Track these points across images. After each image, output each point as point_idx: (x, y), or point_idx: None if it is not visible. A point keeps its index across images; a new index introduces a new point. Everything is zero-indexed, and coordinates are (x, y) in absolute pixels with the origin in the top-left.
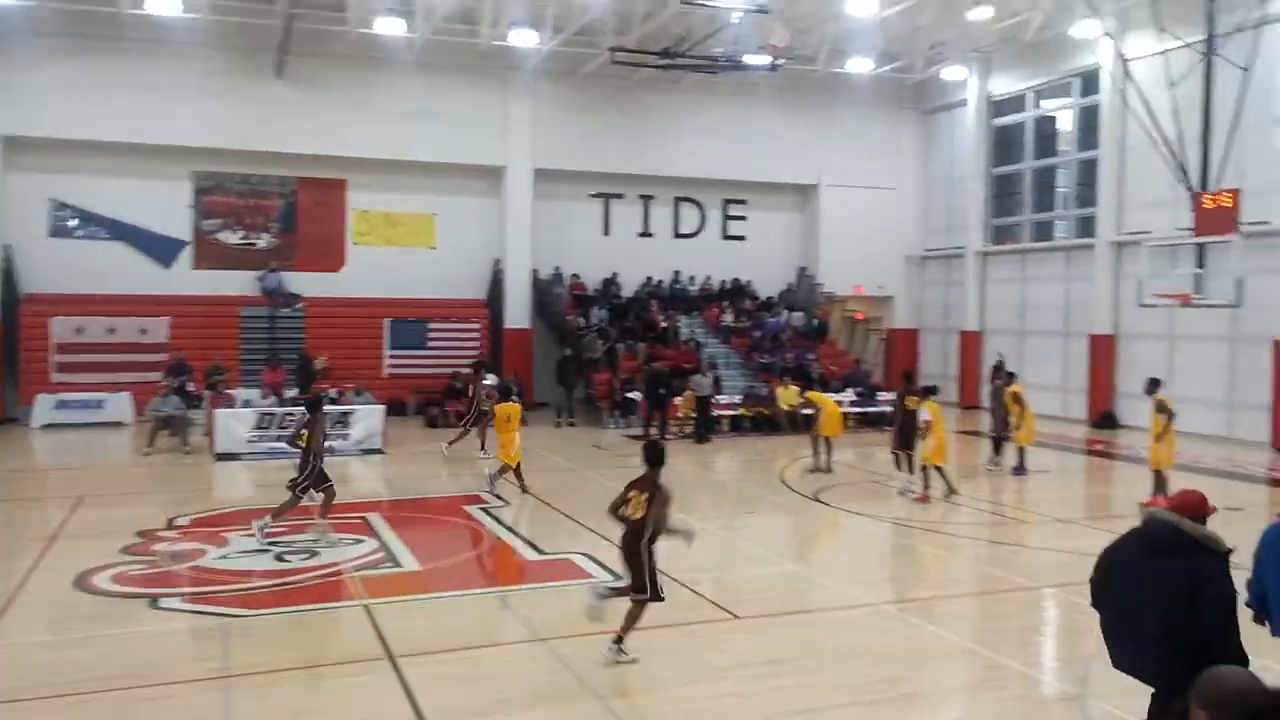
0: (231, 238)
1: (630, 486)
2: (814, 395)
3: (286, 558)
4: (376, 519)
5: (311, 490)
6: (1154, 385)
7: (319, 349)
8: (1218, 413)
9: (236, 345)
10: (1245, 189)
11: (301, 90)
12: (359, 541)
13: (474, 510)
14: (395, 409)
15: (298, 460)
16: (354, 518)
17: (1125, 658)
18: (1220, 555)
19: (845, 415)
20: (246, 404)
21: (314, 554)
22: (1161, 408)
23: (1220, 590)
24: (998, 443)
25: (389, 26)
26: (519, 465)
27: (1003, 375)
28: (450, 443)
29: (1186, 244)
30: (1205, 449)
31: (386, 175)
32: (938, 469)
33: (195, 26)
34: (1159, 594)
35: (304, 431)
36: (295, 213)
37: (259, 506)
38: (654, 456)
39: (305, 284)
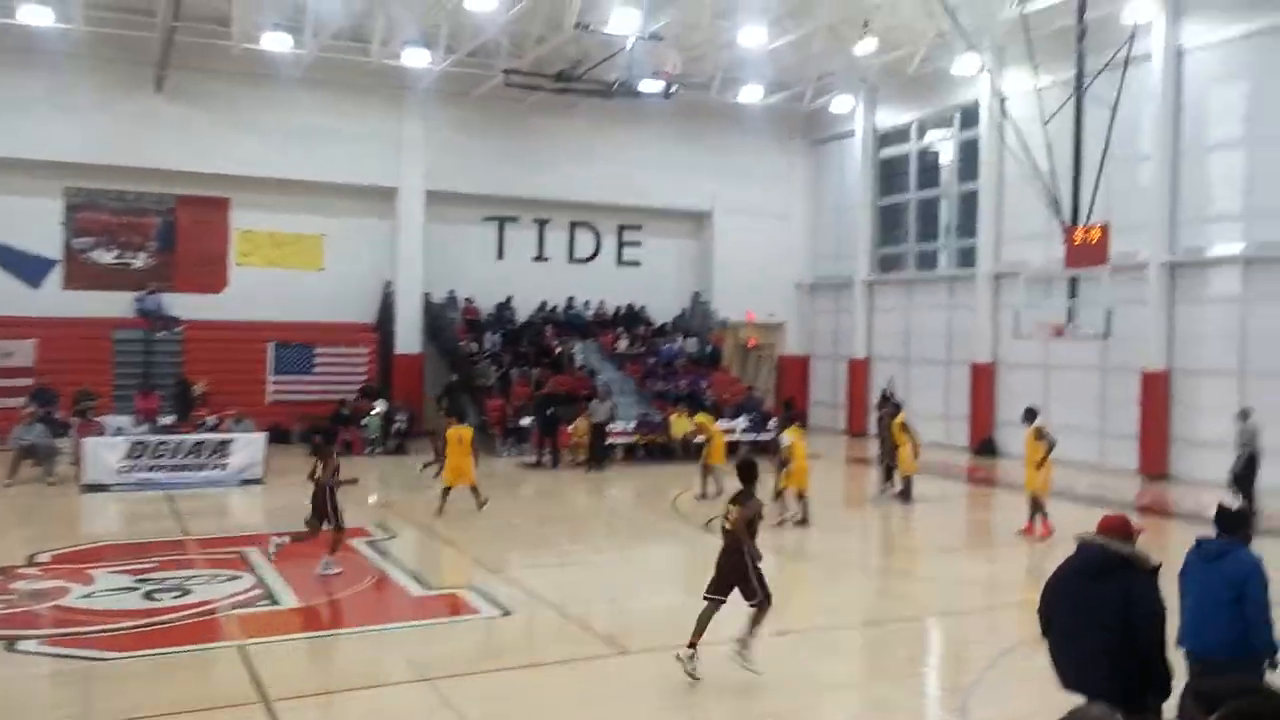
0: (105, 257)
1: (730, 502)
2: (702, 420)
3: (156, 596)
4: (254, 554)
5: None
6: (1030, 415)
7: (198, 374)
8: (1090, 440)
9: (110, 370)
10: (1114, 223)
11: (183, 105)
12: (235, 578)
13: (359, 544)
14: (278, 436)
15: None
16: (230, 552)
17: (1071, 678)
18: (1149, 571)
19: (737, 443)
20: (118, 431)
21: (186, 592)
22: (1041, 435)
23: (1150, 608)
24: (888, 470)
25: (276, 42)
26: (475, 485)
27: (889, 405)
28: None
29: (1059, 276)
30: (1078, 476)
31: (273, 194)
32: (798, 495)
33: (70, 37)
34: (1096, 615)
35: (316, 466)
36: (174, 232)
37: (129, 541)
38: (746, 474)
39: (185, 306)
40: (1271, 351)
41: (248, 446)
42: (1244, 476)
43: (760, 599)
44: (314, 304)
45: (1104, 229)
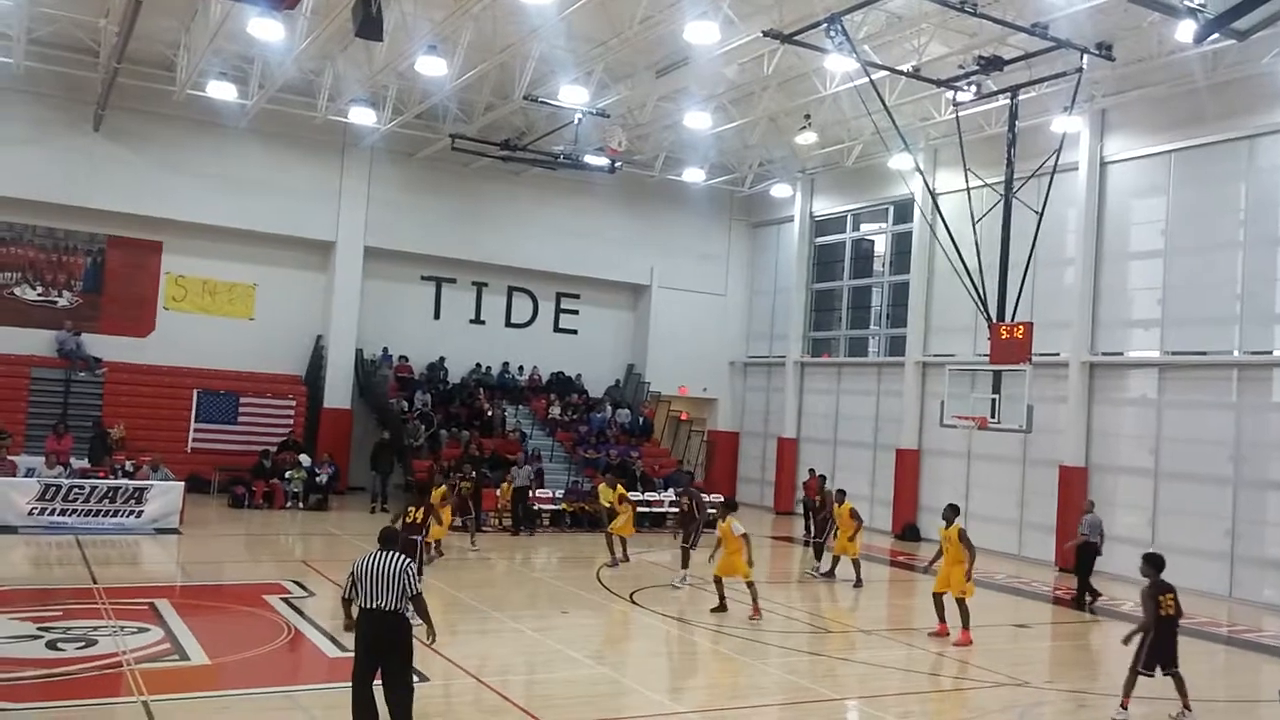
0: (29, 293)
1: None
2: (620, 492)
3: (61, 646)
4: (166, 606)
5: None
6: (954, 513)
7: (118, 417)
8: (1009, 531)
9: (25, 408)
10: (1038, 322)
11: (121, 146)
12: (143, 630)
13: (275, 600)
14: (198, 485)
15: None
16: (140, 603)
17: None
18: None
19: (664, 515)
20: (30, 472)
21: (91, 643)
22: (964, 538)
23: None
24: (818, 549)
25: (220, 91)
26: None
27: (824, 491)
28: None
29: (984, 370)
30: (997, 566)
31: (207, 240)
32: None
33: (8, 71)
34: None
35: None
36: (103, 272)
37: (34, 586)
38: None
39: (108, 348)
40: (1183, 453)
41: (165, 494)
42: (1083, 565)
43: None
44: (243, 353)
45: (1028, 327)
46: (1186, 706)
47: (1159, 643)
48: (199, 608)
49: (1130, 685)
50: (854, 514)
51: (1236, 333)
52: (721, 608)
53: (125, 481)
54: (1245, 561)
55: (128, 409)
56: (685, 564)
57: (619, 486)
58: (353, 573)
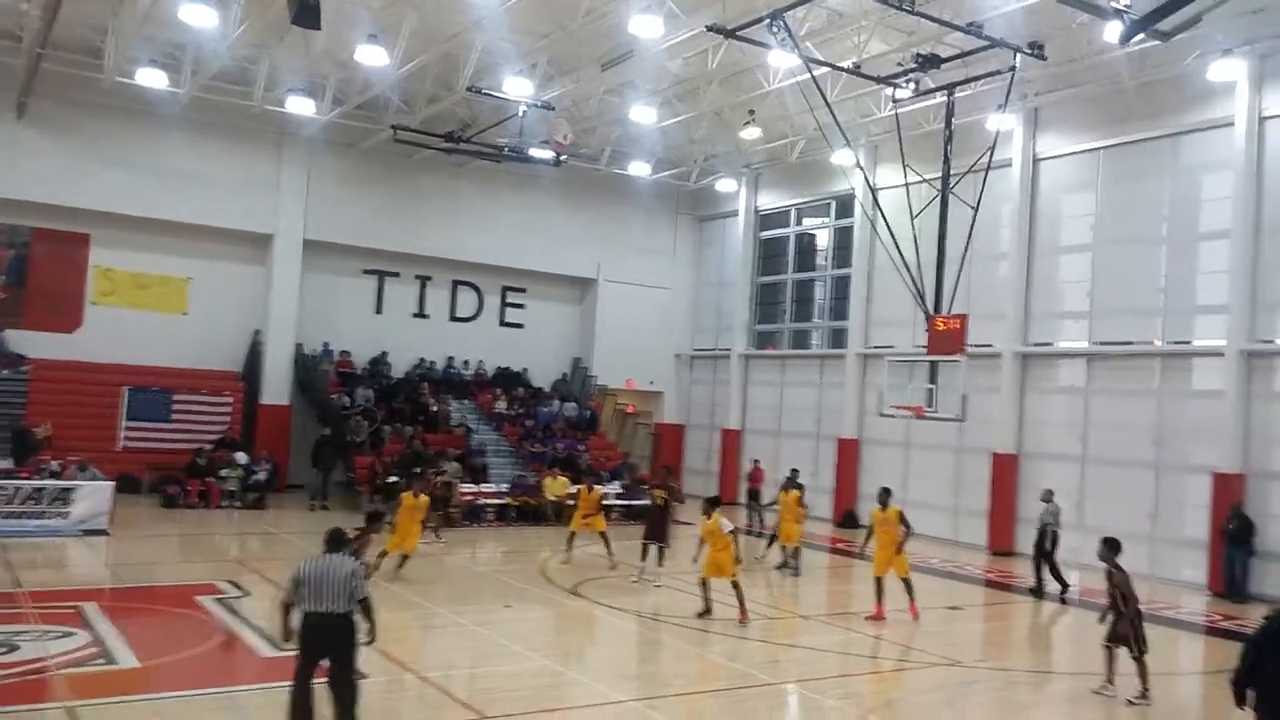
0: None
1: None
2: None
3: None
4: (93, 609)
5: None
6: (888, 495)
7: (44, 415)
8: (944, 517)
9: None
10: (973, 314)
11: (46, 135)
12: (69, 634)
13: (207, 601)
14: (129, 485)
15: None
16: (66, 607)
17: None
18: None
19: (610, 508)
20: None
21: (14, 648)
22: (904, 519)
23: None
24: (771, 539)
25: (151, 79)
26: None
27: (794, 484)
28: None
29: (921, 360)
30: (933, 550)
31: (138, 233)
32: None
33: None
34: None
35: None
36: (27, 266)
37: None
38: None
39: (34, 344)
40: (1108, 439)
41: (93, 495)
42: (1048, 553)
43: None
44: (176, 349)
45: (963, 319)
46: (1111, 681)
47: (1142, 624)
48: (128, 610)
49: (1145, 670)
50: (800, 502)
51: (1160, 324)
52: (707, 611)
53: (51, 482)
54: (1164, 542)
55: (54, 407)
56: (661, 562)
57: (596, 489)
58: (296, 576)
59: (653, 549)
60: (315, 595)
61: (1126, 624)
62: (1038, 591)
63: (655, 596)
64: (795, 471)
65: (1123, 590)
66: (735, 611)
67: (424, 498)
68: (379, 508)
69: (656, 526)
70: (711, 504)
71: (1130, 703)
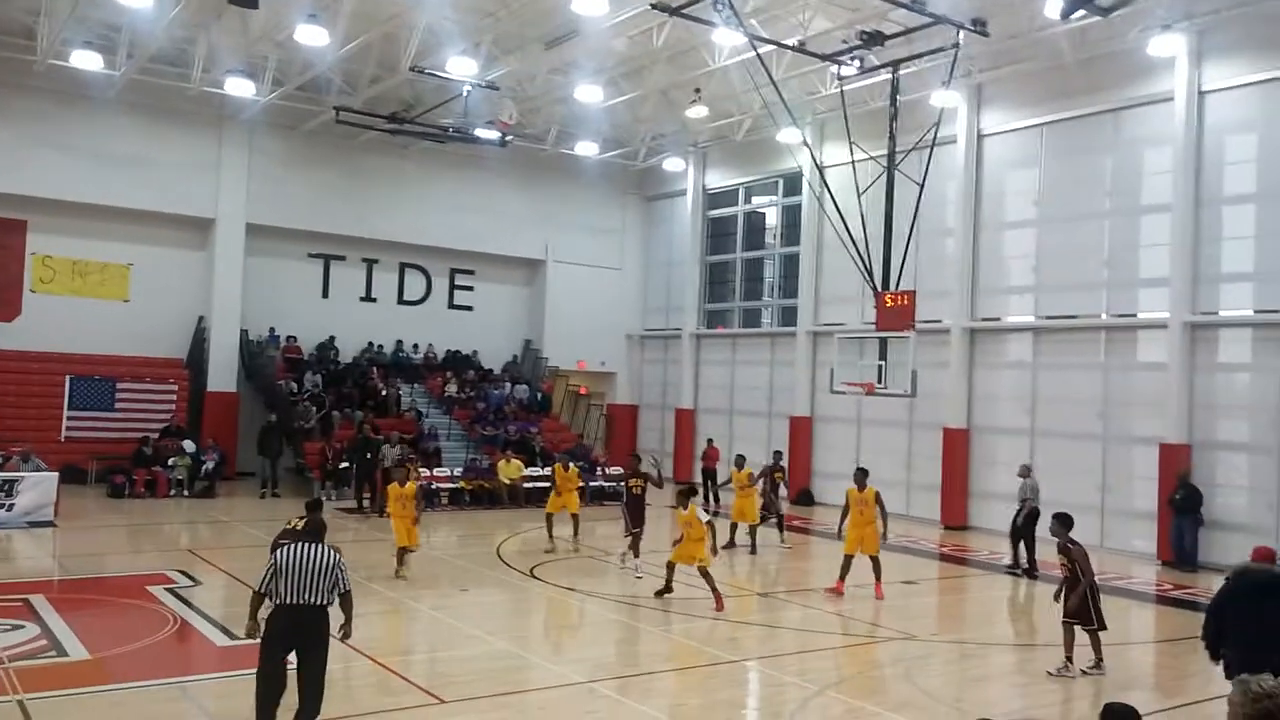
0: None
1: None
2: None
3: None
4: (41, 601)
5: None
6: (865, 475)
7: None
8: (898, 492)
9: None
10: (921, 290)
11: None
12: (18, 627)
13: (158, 590)
14: (73, 476)
15: None
16: (13, 600)
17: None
18: None
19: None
20: None
21: None
22: (880, 500)
23: None
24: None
25: (86, 61)
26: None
27: (777, 466)
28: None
29: (871, 337)
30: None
31: (77, 219)
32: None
33: None
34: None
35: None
36: None
37: None
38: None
39: None
40: (1056, 413)
41: (37, 486)
42: (1025, 530)
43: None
44: (118, 336)
45: (911, 295)
46: (1070, 660)
47: (1098, 596)
48: (77, 602)
49: (1099, 642)
50: (751, 478)
51: (1104, 297)
52: (667, 590)
53: None
54: (1114, 514)
55: None
56: (637, 551)
57: (573, 466)
58: (274, 565)
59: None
60: (294, 587)
61: (1080, 599)
62: (1015, 569)
63: (617, 578)
64: (778, 454)
65: (1080, 565)
66: (697, 594)
67: (411, 485)
68: (319, 497)
69: (636, 515)
70: (686, 495)
71: (1084, 672)
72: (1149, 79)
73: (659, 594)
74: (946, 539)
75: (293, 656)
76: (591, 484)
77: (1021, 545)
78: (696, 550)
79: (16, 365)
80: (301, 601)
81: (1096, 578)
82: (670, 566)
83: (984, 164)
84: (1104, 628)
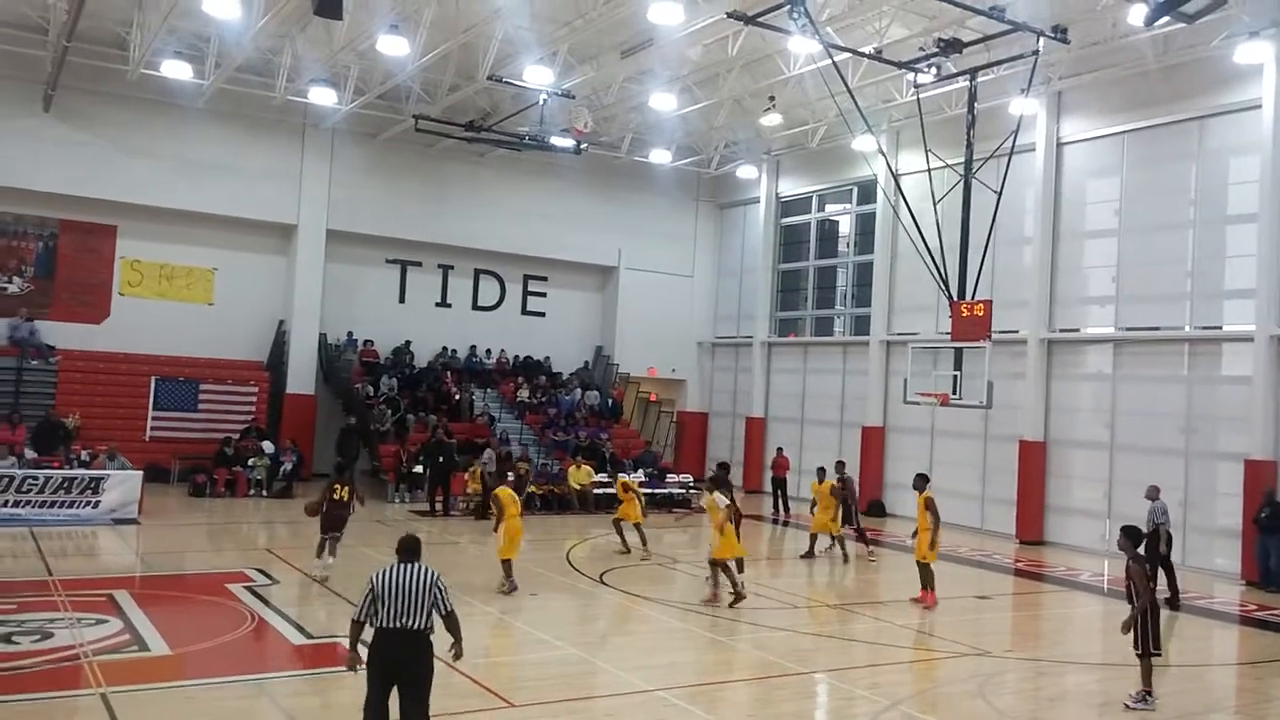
0: None
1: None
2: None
3: (16, 639)
4: (125, 597)
5: None
6: (923, 482)
7: (74, 406)
8: (972, 505)
9: None
10: (997, 300)
11: (72, 127)
12: (102, 621)
13: (238, 589)
14: (157, 475)
15: None
16: (98, 595)
17: None
18: None
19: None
20: None
21: (48, 635)
22: (930, 506)
23: None
24: (861, 533)
25: (176, 70)
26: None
27: (843, 475)
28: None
29: (946, 347)
30: (961, 539)
31: (164, 224)
32: (718, 564)
33: None
34: None
35: None
36: (55, 257)
37: None
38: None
39: (62, 335)
40: (1136, 426)
41: (122, 484)
42: (1164, 555)
43: None
44: (202, 339)
45: (987, 305)
46: (1149, 691)
47: (1157, 621)
48: (159, 598)
49: (1149, 671)
50: (833, 491)
51: (1187, 309)
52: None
53: (81, 471)
54: (1197, 531)
55: (83, 397)
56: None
57: (620, 476)
58: (371, 589)
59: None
60: (394, 610)
61: (1130, 621)
62: (1173, 603)
63: (682, 584)
64: (841, 464)
65: (1136, 582)
66: (767, 604)
67: (508, 491)
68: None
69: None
70: (713, 482)
71: (1126, 707)
72: (1235, 86)
73: (731, 599)
74: (1022, 554)
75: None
76: (659, 490)
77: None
78: (713, 538)
79: (105, 366)
80: (402, 625)
81: (1182, 596)
82: (724, 566)
83: (1063, 172)
84: (1155, 653)
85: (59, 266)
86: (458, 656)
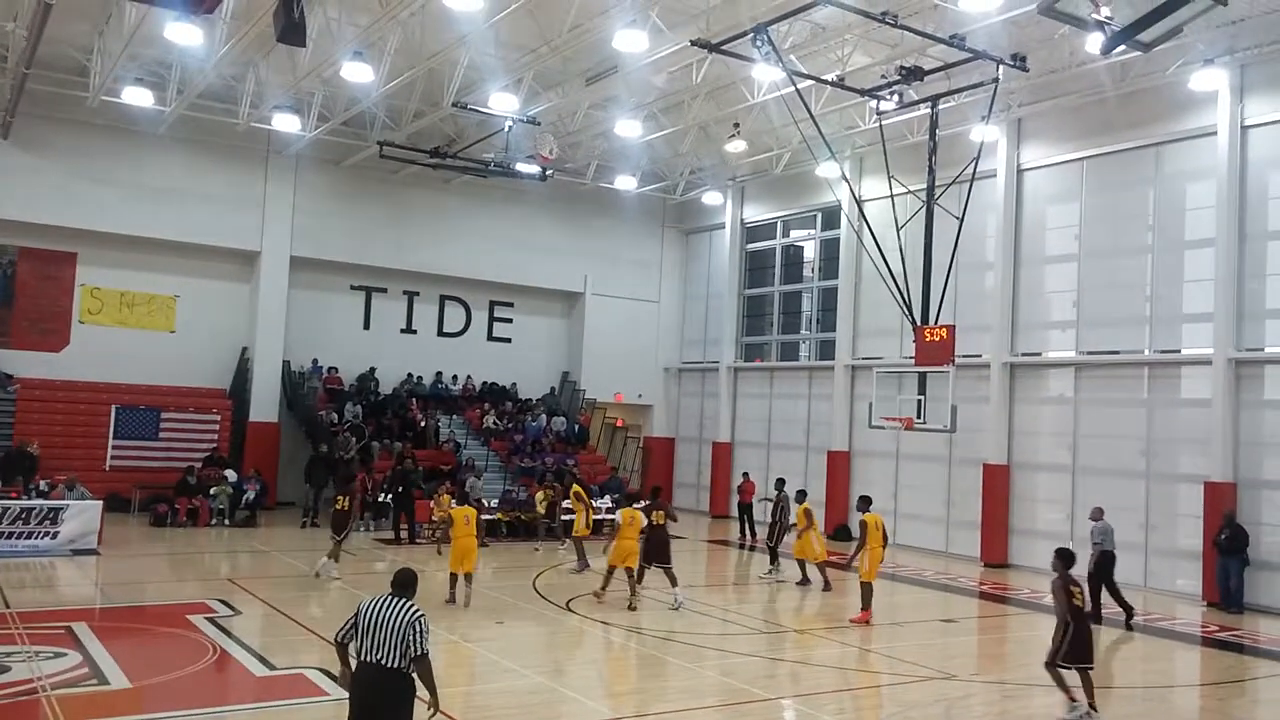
0: None
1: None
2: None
3: None
4: (84, 629)
5: None
6: (865, 503)
7: (31, 435)
8: (937, 529)
9: None
10: (960, 325)
11: (32, 154)
12: (60, 655)
13: (199, 620)
14: (118, 504)
15: None
16: (56, 627)
17: None
18: None
19: (600, 521)
20: None
21: (5, 669)
22: (864, 527)
23: None
24: (773, 553)
25: (137, 97)
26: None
27: (783, 494)
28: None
29: (910, 372)
30: (926, 562)
31: (125, 251)
32: (627, 570)
33: None
34: None
35: None
36: (14, 285)
37: None
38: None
39: (21, 364)
40: (1098, 449)
41: (81, 514)
42: (1098, 576)
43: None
44: (163, 367)
45: (950, 330)
46: (1092, 706)
47: (1080, 637)
48: (119, 630)
49: (1062, 679)
50: (808, 514)
51: (1147, 333)
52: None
53: (39, 502)
54: (1158, 553)
55: (42, 427)
56: (674, 583)
57: (575, 486)
58: (355, 615)
59: (660, 572)
60: (369, 643)
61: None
62: (1128, 623)
63: (648, 613)
64: (781, 481)
65: (1056, 598)
66: (734, 629)
67: (470, 510)
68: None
69: (660, 548)
70: (632, 498)
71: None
72: (1191, 113)
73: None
74: (986, 576)
75: None
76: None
77: (1104, 592)
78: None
79: (65, 395)
80: (374, 660)
81: (1143, 618)
82: (630, 572)
83: (1024, 198)
84: (1063, 666)
85: (18, 294)
86: (432, 711)
